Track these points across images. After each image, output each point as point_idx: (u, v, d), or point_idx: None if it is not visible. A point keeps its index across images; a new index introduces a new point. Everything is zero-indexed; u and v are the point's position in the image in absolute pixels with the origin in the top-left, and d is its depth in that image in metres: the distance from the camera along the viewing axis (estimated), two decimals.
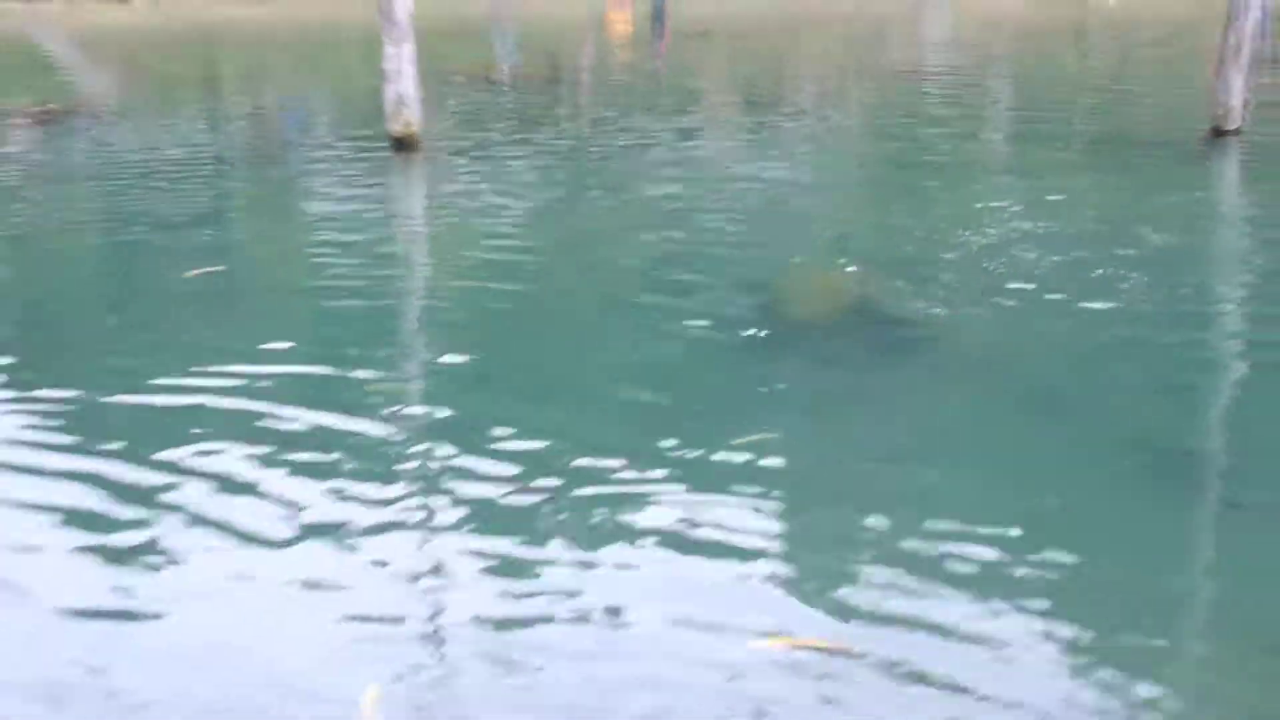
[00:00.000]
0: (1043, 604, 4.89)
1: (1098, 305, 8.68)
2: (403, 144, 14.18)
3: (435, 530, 5.92)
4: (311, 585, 5.40)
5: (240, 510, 6.10)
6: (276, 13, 31.75)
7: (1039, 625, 4.78)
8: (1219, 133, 13.64)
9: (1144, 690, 4.46)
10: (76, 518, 6.10)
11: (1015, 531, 5.52)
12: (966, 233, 10.71)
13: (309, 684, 4.68)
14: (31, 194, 14.56)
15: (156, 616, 5.28)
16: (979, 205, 11.74)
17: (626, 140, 16.22)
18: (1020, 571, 5.15)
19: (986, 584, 5.05)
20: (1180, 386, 7.55)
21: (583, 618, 5.07)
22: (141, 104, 21.56)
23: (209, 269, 10.43)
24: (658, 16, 29.78)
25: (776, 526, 5.71)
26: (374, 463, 6.61)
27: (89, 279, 11.64)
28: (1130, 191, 12.08)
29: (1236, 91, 13.72)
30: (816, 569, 5.31)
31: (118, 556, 5.77)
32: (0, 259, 12.04)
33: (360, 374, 7.83)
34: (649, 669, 4.59)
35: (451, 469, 6.50)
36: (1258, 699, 4.39)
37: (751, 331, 8.32)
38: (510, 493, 6.15)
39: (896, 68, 23.12)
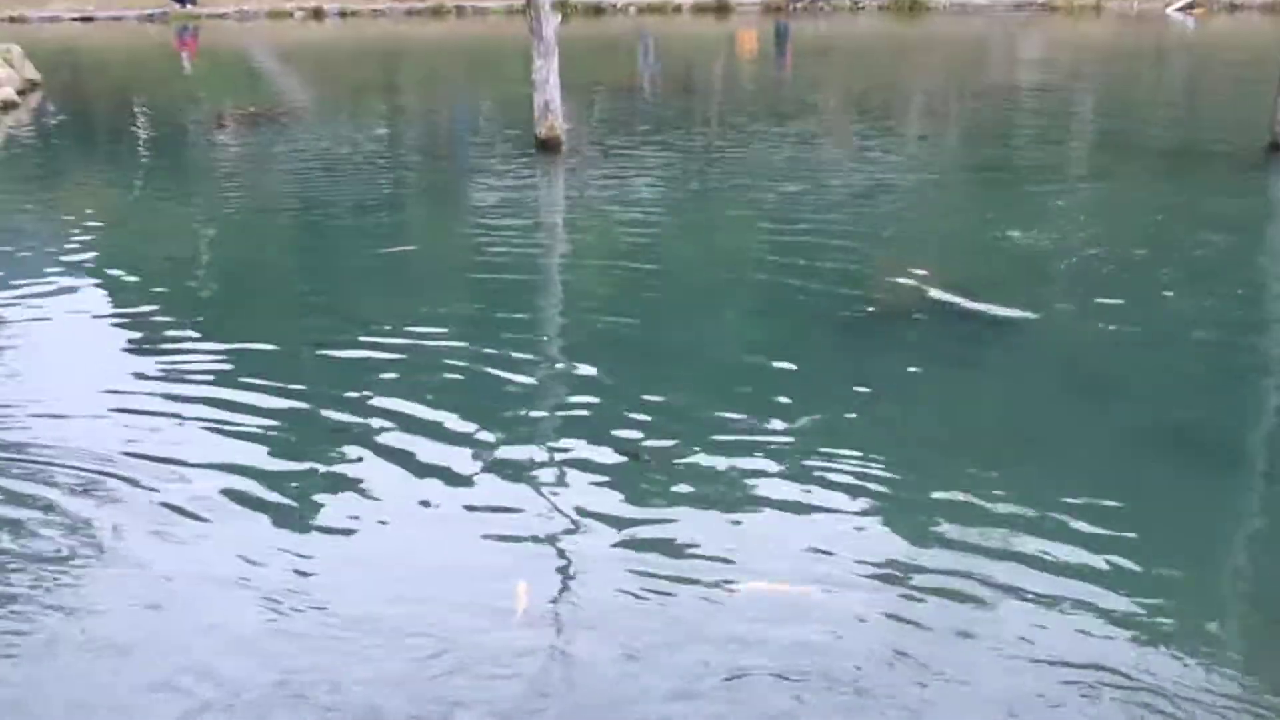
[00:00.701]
0: (1115, 574, 5.15)
1: (1155, 300, 8.89)
2: (547, 145, 14.82)
3: (576, 465, 6.45)
4: (469, 507, 6.02)
5: (416, 445, 6.73)
6: (448, 30, 31.86)
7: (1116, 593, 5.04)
8: (1276, 148, 13.77)
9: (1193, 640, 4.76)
10: (277, 448, 6.78)
11: (1077, 500, 5.80)
12: (1044, 232, 11.01)
13: (469, 583, 5.31)
14: (239, 181, 15.46)
15: (348, 532, 5.90)
16: (1058, 204, 12.17)
17: (751, 144, 16.50)
18: (1082, 544, 5.40)
19: (1049, 551, 5.35)
20: (1238, 377, 7.72)
21: (698, 545, 5.51)
22: (332, 106, 22.33)
23: (401, 248, 11.27)
24: (781, 35, 29.85)
25: (848, 484, 6.09)
26: (525, 409, 7.25)
27: (286, 251, 12.45)
28: (1188, 196, 12.34)
29: None
30: (897, 523, 5.75)
31: (313, 482, 6.41)
32: (214, 233, 12.86)
33: (515, 336, 8.44)
34: (742, 598, 5.08)
35: (590, 416, 7.07)
36: None
37: (845, 314, 8.74)
38: (638, 438, 6.69)
39: (993, 84, 22.97)
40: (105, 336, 9.14)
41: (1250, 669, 4.60)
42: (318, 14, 33.60)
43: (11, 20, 32.90)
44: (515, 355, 8.03)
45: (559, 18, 14.83)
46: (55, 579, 5.56)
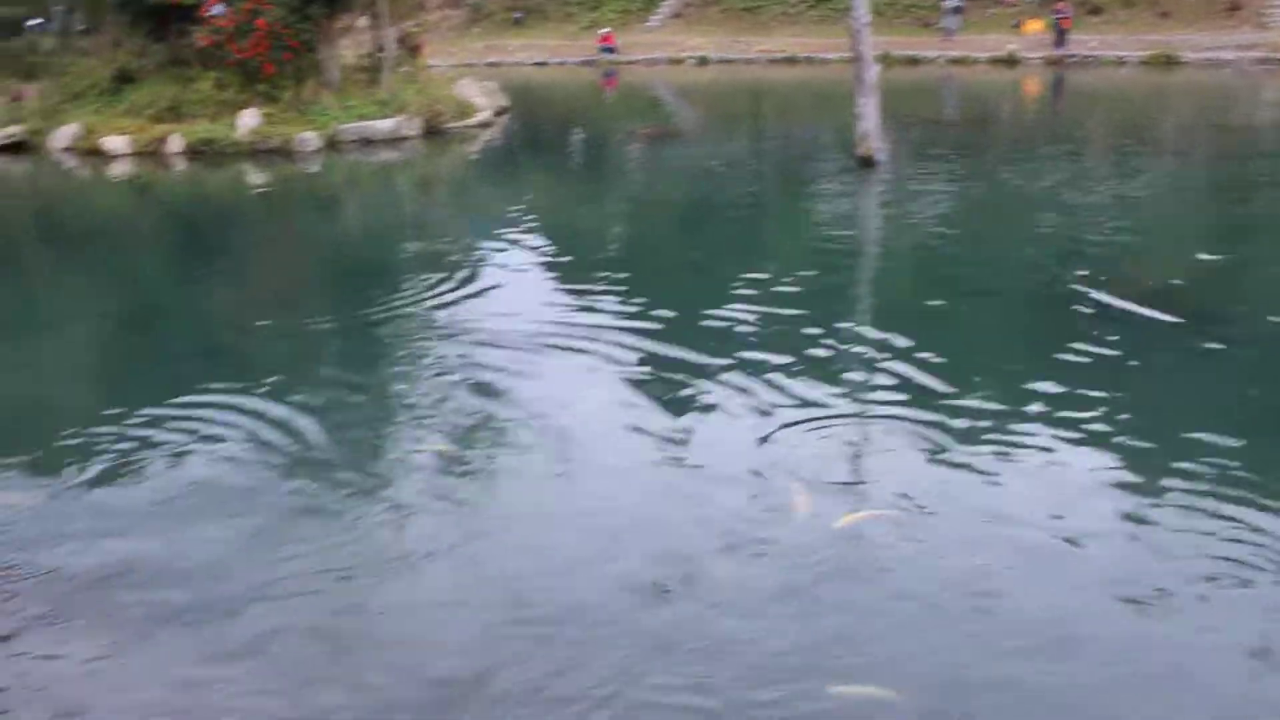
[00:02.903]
0: None
1: None
2: (864, 162, 15.46)
3: (860, 427, 6.44)
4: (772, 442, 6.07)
5: (751, 385, 6.97)
6: (799, 74, 32.12)
7: None
8: None
9: None
10: (651, 385, 7.09)
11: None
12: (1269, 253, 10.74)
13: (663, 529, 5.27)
14: (642, 182, 17.35)
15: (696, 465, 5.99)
16: None
17: (1028, 165, 16.44)
18: None
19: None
20: None
21: (950, 497, 5.44)
22: (711, 129, 23.55)
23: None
24: (1057, 82, 29.00)
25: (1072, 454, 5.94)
26: (835, 375, 7.21)
27: (674, 232, 13.62)
28: None
29: None
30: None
31: (683, 412, 6.70)
32: (621, 217, 14.43)
33: (831, 313, 8.58)
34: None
35: (880, 384, 7.04)
36: None
37: (1090, 311, 8.46)
38: (910, 401, 6.64)
39: (1236, 122, 21.50)
40: (537, 287, 10.12)
41: None
42: (703, 61, 35.02)
43: (489, 65, 35.29)
44: (838, 325, 8.28)
45: (878, 66, 15.52)
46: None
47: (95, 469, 6.36)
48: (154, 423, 7.03)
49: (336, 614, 4.66)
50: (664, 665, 4.17)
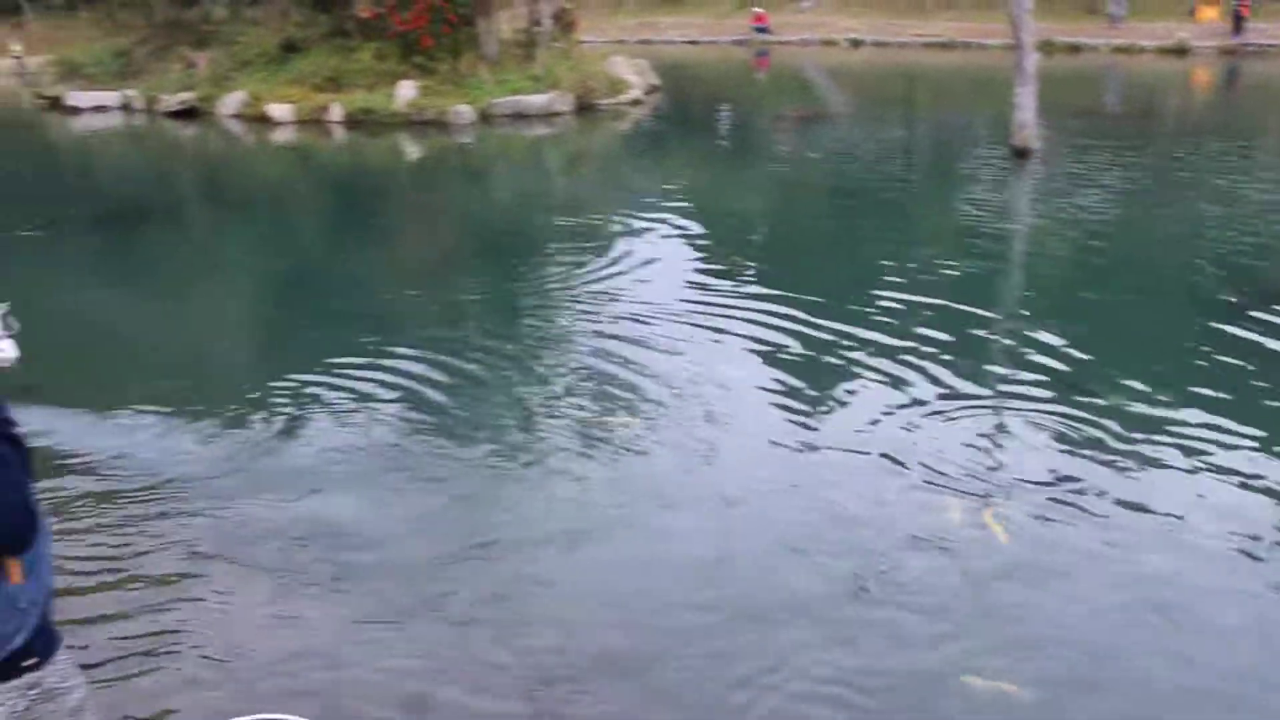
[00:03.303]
0: None
1: None
2: (1020, 152, 15.29)
3: (1000, 414, 6.44)
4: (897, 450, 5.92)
5: (893, 370, 7.10)
6: (955, 60, 31.55)
7: None
8: None
9: None
10: (794, 372, 7.20)
11: None
12: None
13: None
14: (788, 163, 17.26)
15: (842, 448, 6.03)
16: None
17: (1191, 158, 16.16)
18: None
19: None
20: None
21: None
22: (861, 112, 23.27)
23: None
24: (1231, 73, 27.73)
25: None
26: (986, 366, 7.22)
27: (818, 215, 13.66)
28: None
29: None
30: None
31: (808, 400, 6.78)
32: (766, 197, 14.60)
33: (979, 303, 8.60)
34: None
35: (1033, 377, 6.97)
36: None
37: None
38: (1063, 397, 6.56)
39: None
40: (684, 265, 10.34)
41: None
42: (857, 43, 34.56)
43: (640, 42, 35.57)
44: (987, 315, 8.31)
45: (1038, 54, 15.19)
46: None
47: (273, 425, 6.72)
48: (321, 382, 7.40)
49: (513, 580, 4.79)
50: (846, 658, 4.18)
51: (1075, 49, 30.59)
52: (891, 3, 39.04)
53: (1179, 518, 5.11)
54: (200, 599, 4.78)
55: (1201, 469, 5.68)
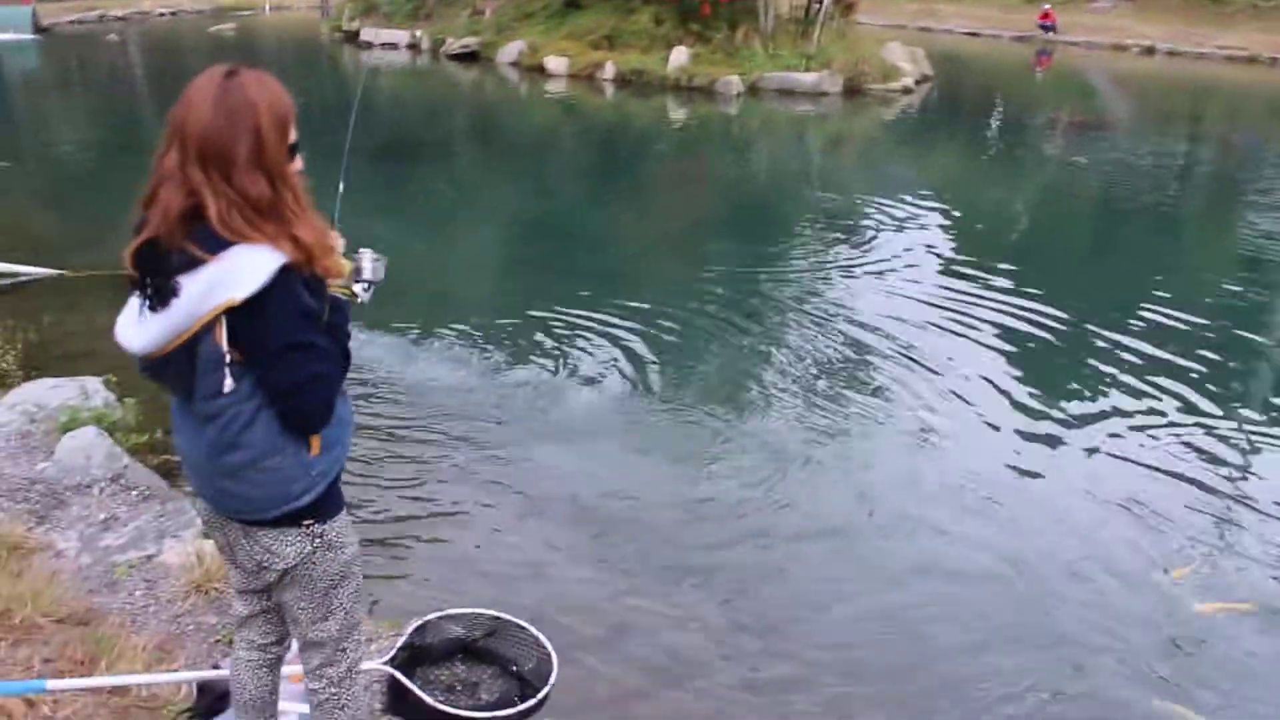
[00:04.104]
0: None
1: None
2: None
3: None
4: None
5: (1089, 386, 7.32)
6: (1258, 75, 29.63)
7: None
8: None
9: None
10: (1030, 390, 7.24)
11: None
12: None
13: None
14: (1059, 172, 16.51)
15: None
16: None
17: None
18: None
19: None
20: None
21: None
22: (1144, 124, 22.30)
23: None
24: None
25: None
26: (1242, 409, 7.03)
27: (1082, 230, 13.36)
28: None
29: None
30: None
31: (1060, 398, 7.00)
32: (1025, 200, 14.34)
33: (1245, 341, 8.40)
34: None
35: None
36: None
37: None
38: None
39: None
40: (931, 266, 10.29)
41: None
42: (1149, 51, 32.96)
43: (920, 29, 35.07)
44: (1249, 341, 8.26)
45: None
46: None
47: (502, 359, 7.44)
48: (553, 330, 8.03)
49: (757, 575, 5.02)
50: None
51: None
52: (1195, 9, 36.89)
53: None
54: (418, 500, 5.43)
55: None
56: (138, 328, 2.32)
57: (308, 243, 2.24)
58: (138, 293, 2.30)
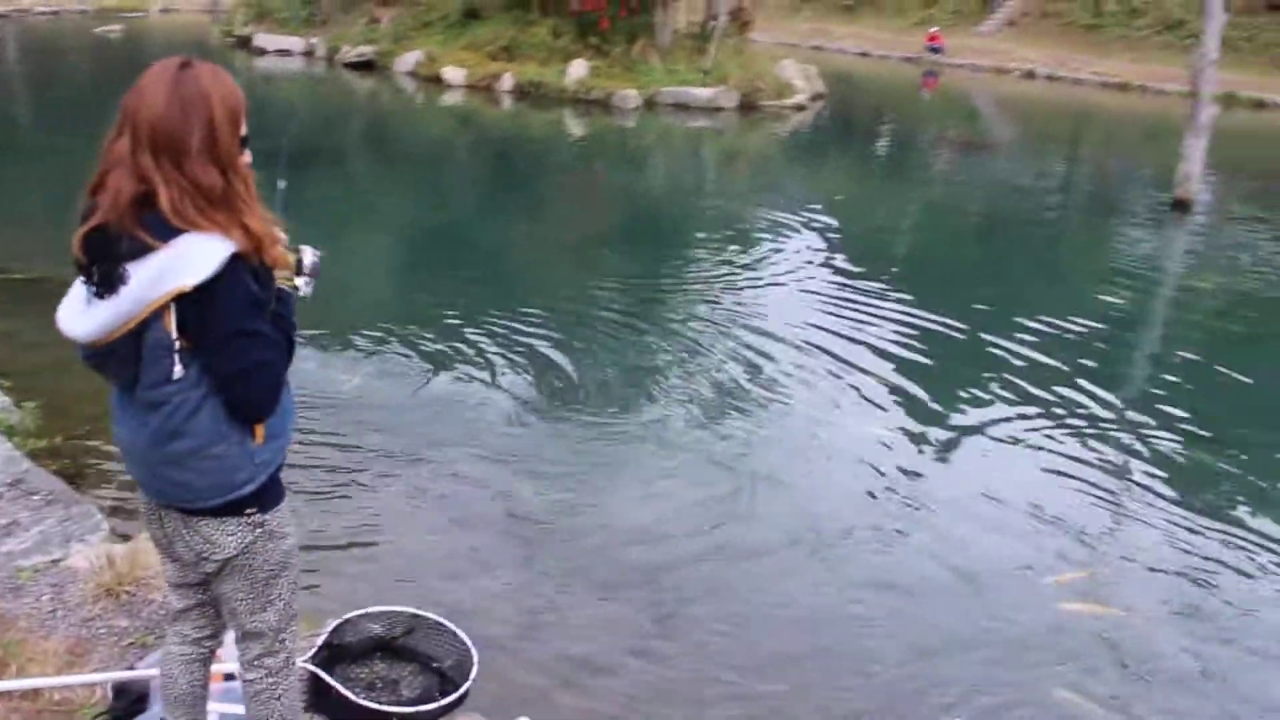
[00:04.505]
0: None
1: None
2: (1181, 204, 14.99)
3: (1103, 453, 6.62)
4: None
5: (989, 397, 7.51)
6: (1130, 102, 30.77)
7: None
8: None
9: None
10: (904, 408, 7.29)
11: None
12: None
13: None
14: (942, 187, 17.09)
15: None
16: None
17: None
18: None
19: None
20: None
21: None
22: (1023, 146, 23.10)
23: None
24: None
25: None
26: (1109, 434, 7.03)
27: (962, 242, 13.89)
28: None
29: None
30: None
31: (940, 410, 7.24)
32: (910, 218, 14.76)
33: (1113, 360, 8.59)
34: None
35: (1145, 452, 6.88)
36: None
37: None
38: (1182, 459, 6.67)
39: None
40: (817, 281, 10.41)
41: None
42: (1030, 75, 34.08)
43: (813, 48, 35.72)
44: (1118, 377, 8.28)
45: (1216, 107, 15.02)
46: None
47: (397, 367, 7.46)
48: (447, 339, 8.04)
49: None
50: None
51: (1260, 105, 29.61)
52: (1073, 37, 38.31)
53: None
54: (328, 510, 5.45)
55: None
56: (83, 316, 2.32)
57: (258, 232, 2.29)
58: (83, 280, 2.31)
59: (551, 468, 6.11)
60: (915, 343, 8.48)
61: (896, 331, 8.71)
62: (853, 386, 7.45)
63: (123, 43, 30.91)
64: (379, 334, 8.03)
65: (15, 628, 3.80)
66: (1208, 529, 5.84)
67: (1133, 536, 5.68)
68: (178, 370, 2.31)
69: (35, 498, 4.73)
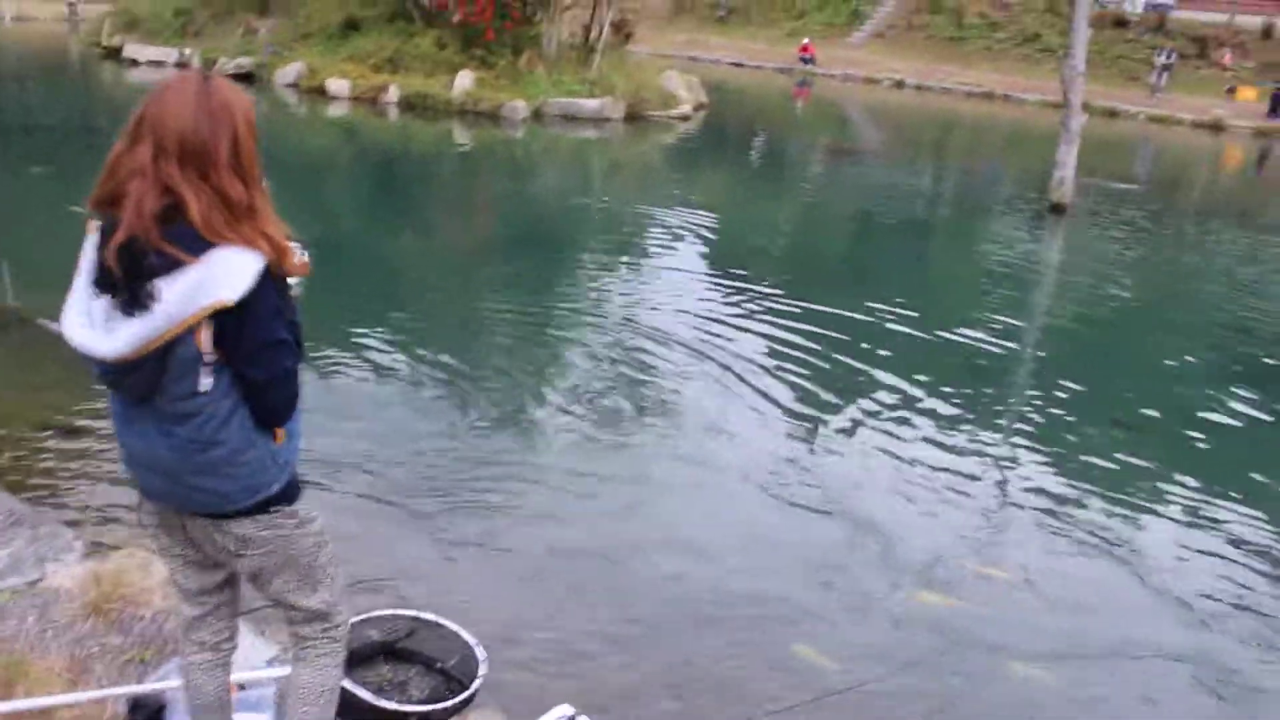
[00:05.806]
0: None
1: None
2: (1056, 208, 15.71)
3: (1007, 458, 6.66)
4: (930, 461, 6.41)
5: (893, 392, 7.57)
6: (993, 111, 31.93)
7: None
8: None
9: None
10: (778, 404, 7.32)
11: None
12: None
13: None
14: (818, 193, 17.71)
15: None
16: None
17: (1212, 227, 16.68)
18: None
19: None
20: None
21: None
22: (895, 151, 23.70)
23: None
24: (1262, 156, 28.01)
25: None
26: (983, 421, 7.22)
27: (845, 243, 14.28)
28: None
29: None
30: None
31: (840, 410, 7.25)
32: (792, 223, 14.85)
33: (994, 355, 8.77)
34: None
35: (1043, 418, 7.32)
36: None
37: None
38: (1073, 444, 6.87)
39: None
40: (699, 282, 10.58)
41: None
42: (899, 84, 35.13)
43: (689, 58, 36.15)
44: (998, 368, 8.51)
45: (1085, 116, 15.71)
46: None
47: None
48: (335, 348, 7.86)
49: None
50: None
51: (1112, 114, 31.09)
52: (938, 48, 39.65)
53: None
54: None
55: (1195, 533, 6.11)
56: (107, 333, 2.26)
57: (280, 243, 2.31)
58: (110, 296, 2.26)
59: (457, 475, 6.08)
60: (793, 341, 8.56)
61: (772, 331, 8.79)
62: (734, 390, 7.45)
63: None
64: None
65: (10, 650, 3.77)
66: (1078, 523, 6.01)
67: (995, 535, 5.75)
68: (207, 382, 2.31)
69: None
